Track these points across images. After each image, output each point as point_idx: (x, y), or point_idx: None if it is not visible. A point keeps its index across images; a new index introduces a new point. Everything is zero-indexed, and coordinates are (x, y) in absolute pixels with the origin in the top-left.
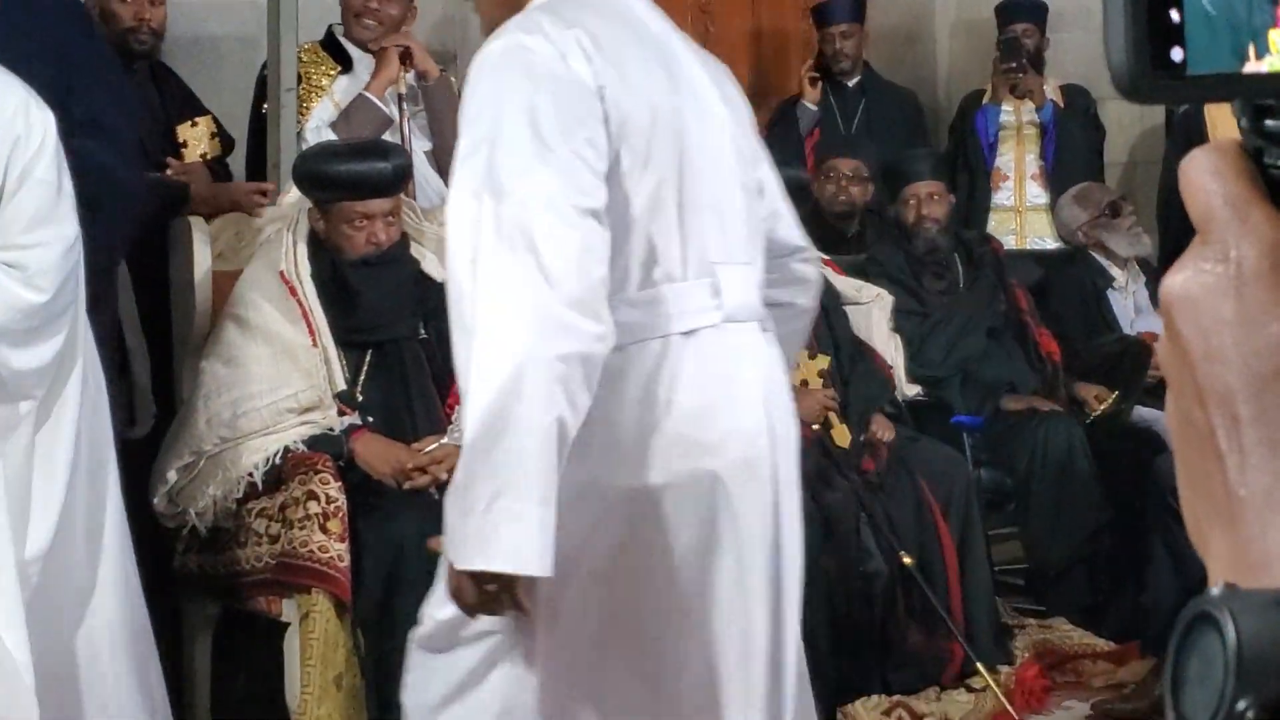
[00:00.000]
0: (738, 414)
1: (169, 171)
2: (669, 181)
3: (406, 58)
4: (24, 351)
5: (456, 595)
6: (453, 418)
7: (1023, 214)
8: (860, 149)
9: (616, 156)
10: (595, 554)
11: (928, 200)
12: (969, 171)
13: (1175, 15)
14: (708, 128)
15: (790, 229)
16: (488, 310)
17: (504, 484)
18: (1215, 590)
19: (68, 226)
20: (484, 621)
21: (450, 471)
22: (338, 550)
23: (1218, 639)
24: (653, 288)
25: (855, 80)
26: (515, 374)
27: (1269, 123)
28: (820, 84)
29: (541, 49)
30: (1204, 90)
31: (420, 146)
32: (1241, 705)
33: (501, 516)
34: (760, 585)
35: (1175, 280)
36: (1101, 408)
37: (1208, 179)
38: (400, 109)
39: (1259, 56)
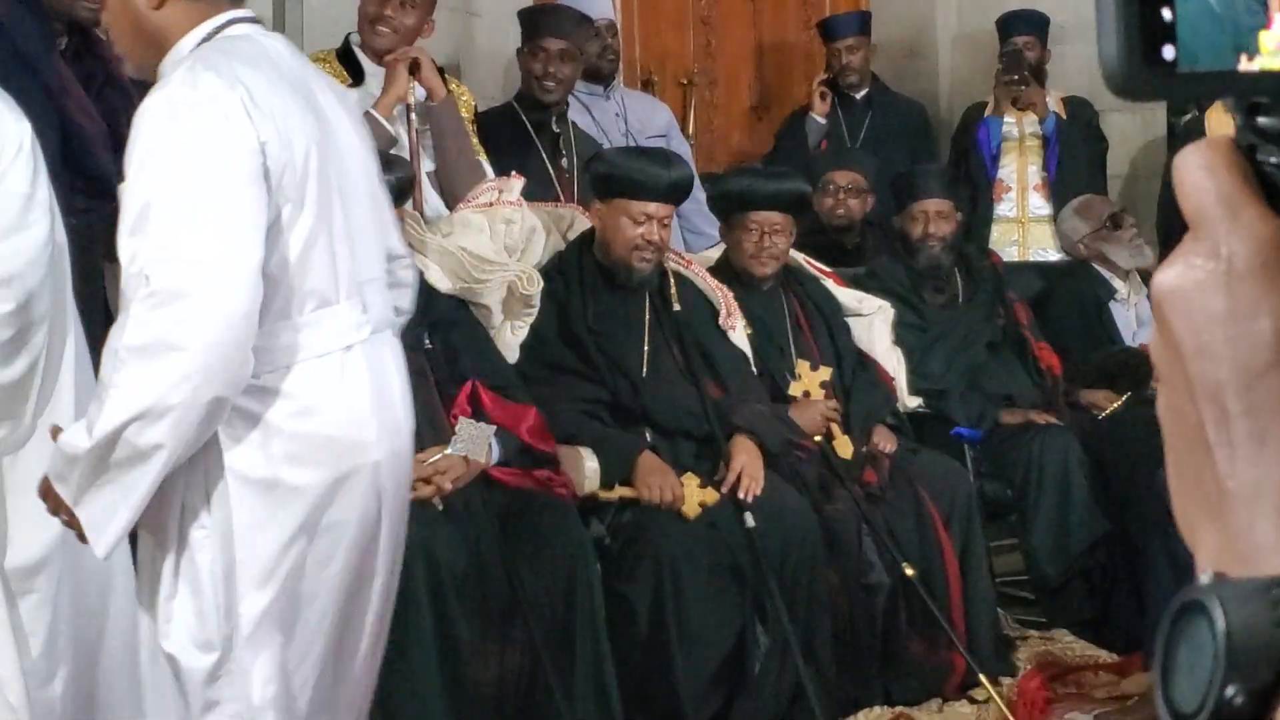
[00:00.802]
0: (389, 412)
1: None
2: (322, 217)
3: (415, 69)
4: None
5: (45, 497)
6: (456, 428)
7: (1025, 225)
8: (857, 161)
9: (277, 208)
10: (288, 551)
11: (936, 218)
12: (971, 183)
13: (1167, 13)
14: (347, 158)
15: (396, 238)
16: (136, 355)
17: (129, 489)
18: (1204, 579)
19: (36, 233)
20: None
21: (454, 481)
22: None
23: (1207, 627)
24: (315, 311)
25: (863, 93)
26: (154, 413)
27: (1262, 119)
28: (829, 97)
29: (206, 109)
30: (1195, 87)
31: (424, 167)
32: (1230, 691)
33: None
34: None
35: (1167, 275)
36: (1113, 407)
37: (1200, 175)
38: (409, 119)
39: (1250, 56)
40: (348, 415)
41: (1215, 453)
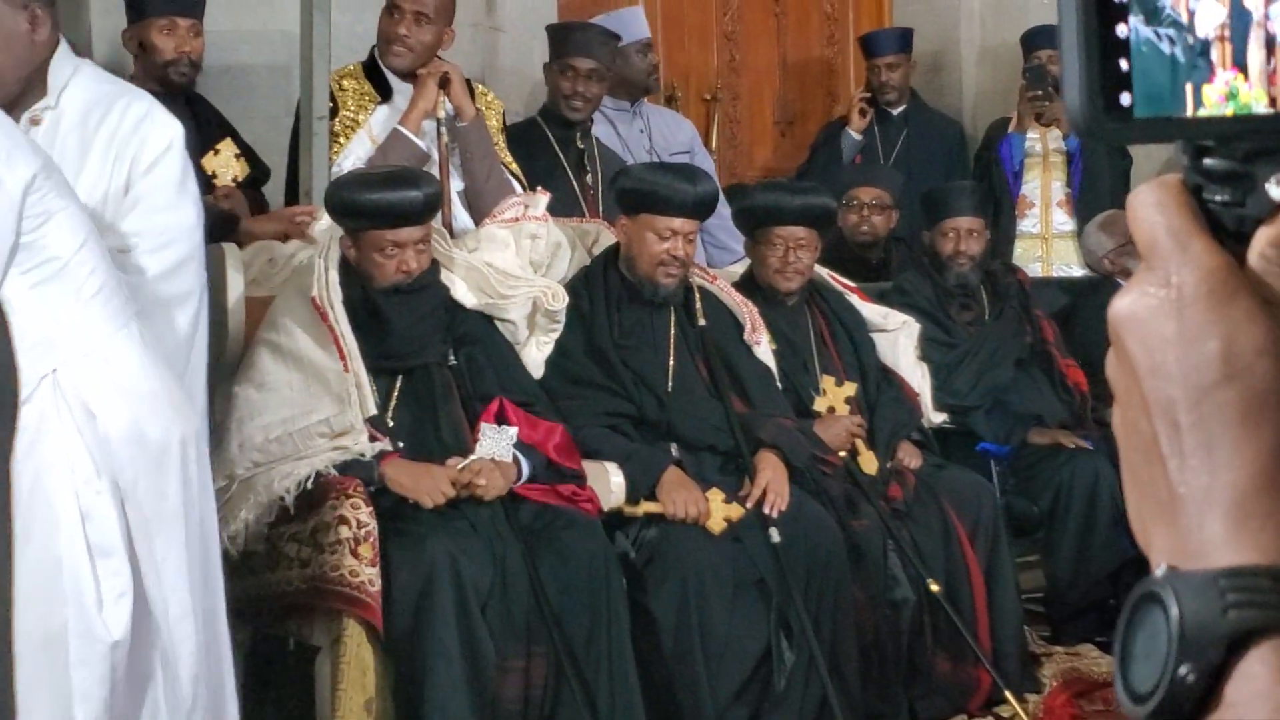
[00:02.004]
0: None
1: (212, 198)
2: None
3: (445, 84)
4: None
5: None
6: (477, 436)
7: (1049, 241)
8: (883, 177)
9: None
10: None
11: (967, 236)
12: (994, 199)
13: (1124, 64)
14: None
15: None
16: None
17: None
18: (1159, 573)
19: (185, 215)
20: None
21: (489, 480)
22: (369, 575)
23: (1162, 615)
24: None
25: (900, 109)
26: None
27: (1207, 161)
28: (869, 114)
29: None
30: (1149, 132)
31: (454, 185)
32: (1183, 671)
33: None
34: None
35: (1123, 302)
36: None
37: (1152, 211)
38: (439, 134)
39: (1196, 106)
40: None
41: (1168, 462)
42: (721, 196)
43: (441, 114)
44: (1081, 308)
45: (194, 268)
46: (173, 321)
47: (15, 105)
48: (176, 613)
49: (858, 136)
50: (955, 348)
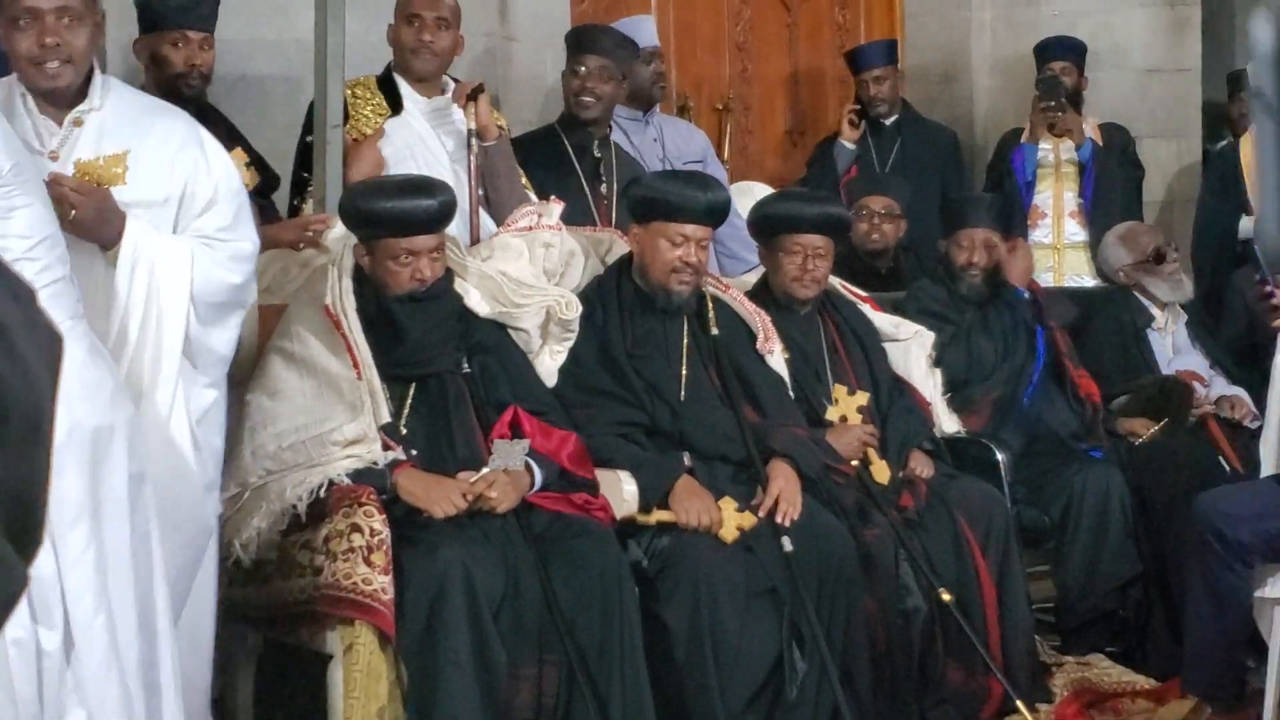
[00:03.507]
0: None
1: None
2: None
3: (476, 96)
4: (210, 329)
5: None
6: (491, 445)
7: (1061, 251)
8: (892, 186)
9: None
10: None
11: (983, 248)
12: (1007, 210)
13: None
14: None
15: None
16: None
17: None
18: None
19: (254, 232)
20: None
21: (502, 493)
22: (381, 583)
23: None
24: None
25: (893, 119)
26: None
27: None
28: (860, 124)
29: None
30: None
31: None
32: None
33: None
34: None
35: None
36: (1150, 433)
37: None
38: (469, 145)
39: None
40: None
41: None
42: (735, 206)
43: (472, 125)
44: (1094, 318)
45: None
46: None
47: (62, 104)
48: (87, 608)
49: (851, 147)
50: (970, 351)
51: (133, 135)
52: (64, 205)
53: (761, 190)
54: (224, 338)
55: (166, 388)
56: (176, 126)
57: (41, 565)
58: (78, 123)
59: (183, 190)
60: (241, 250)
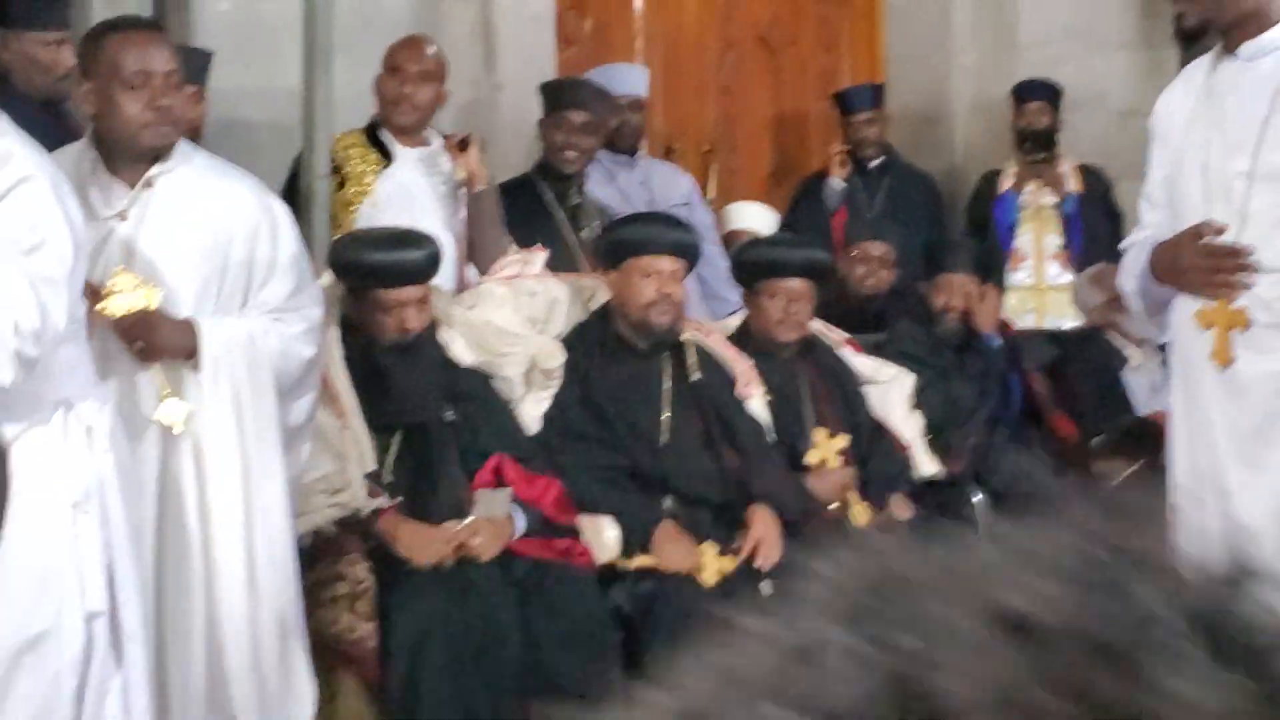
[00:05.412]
0: None
1: None
2: None
3: (465, 147)
4: (292, 404)
5: None
6: (475, 495)
7: (1043, 293)
8: (890, 233)
9: None
10: None
11: (960, 292)
12: (987, 254)
13: None
14: None
15: None
16: None
17: None
18: None
19: (318, 294)
20: None
21: (486, 540)
22: (365, 630)
23: None
24: None
25: (877, 162)
26: None
27: None
28: (849, 164)
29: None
30: None
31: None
32: None
33: None
34: None
35: None
36: (1126, 474)
37: None
38: (457, 194)
39: None
40: None
41: None
42: (719, 247)
43: (461, 174)
44: (1073, 359)
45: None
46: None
47: (140, 164)
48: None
49: (842, 184)
50: (950, 392)
51: (201, 199)
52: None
53: (753, 210)
54: (302, 408)
55: (274, 481)
56: (243, 192)
57: None
58: (149, 184)
59: (249, 257)
60: (312, 318)
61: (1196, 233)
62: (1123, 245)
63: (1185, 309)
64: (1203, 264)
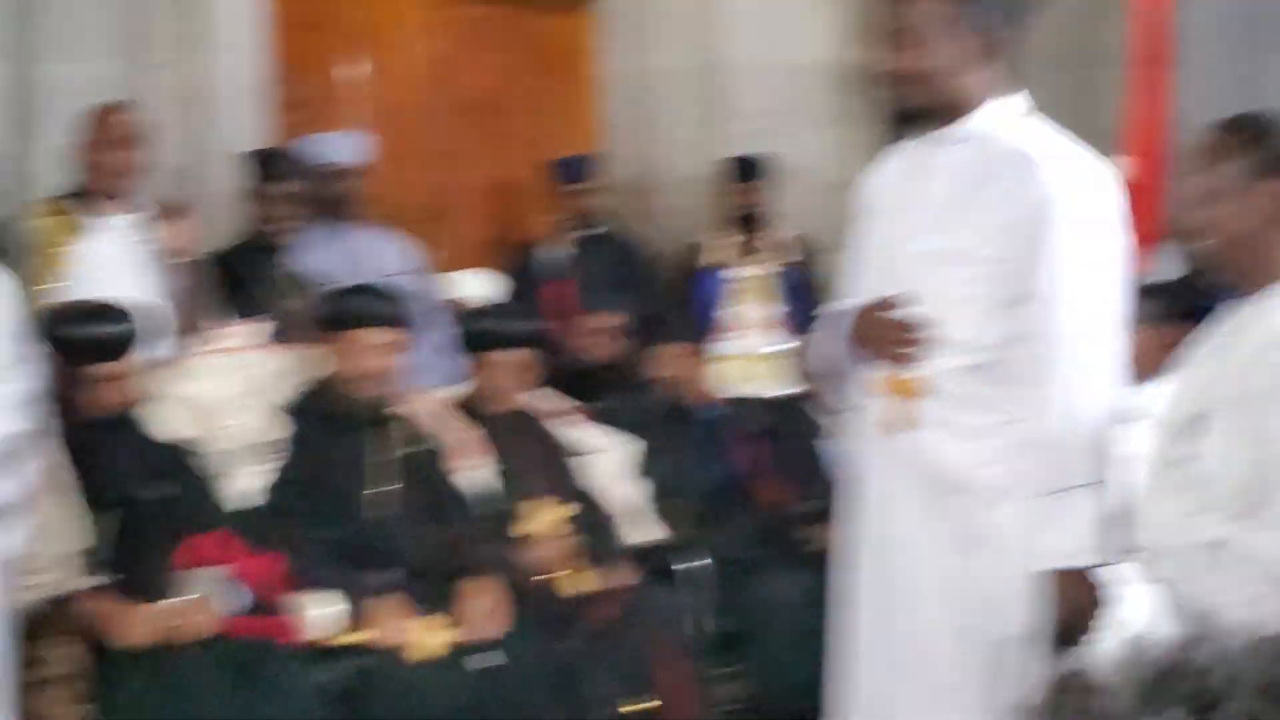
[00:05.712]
0: None
1: None
2: None
3: (173, 214)
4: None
5: None
6: (188, 573)
7: (756, 362)
8: (619, 303)
9: None
10: None
11: (675, 362)
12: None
13: None
14: None
15: None
16: None
17: None
18: None
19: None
20: None
21: (194, 621)
22: (78, 713)
23: None
24: None
25: (596, 231)
26: None
27: None
28: (565, 234)
29: None
30: None
31: None
32: None
33: None
34: None
35: None
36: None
37: None
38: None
39: None
40: None
41: None
42: (447, 317)
43: (172, 242)
44: (785, 425)
45: None
46: None
47: None
48: None
49: (554, 256)
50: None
51: None
52: None
53: (474, 278)
54: (7, 487)
55: None
56: None
57: None
58: None
59: None
60: (19, 393)
61: (883, 304)
62: (817, 315)
63: (862, 377)
64: (883, 334)
